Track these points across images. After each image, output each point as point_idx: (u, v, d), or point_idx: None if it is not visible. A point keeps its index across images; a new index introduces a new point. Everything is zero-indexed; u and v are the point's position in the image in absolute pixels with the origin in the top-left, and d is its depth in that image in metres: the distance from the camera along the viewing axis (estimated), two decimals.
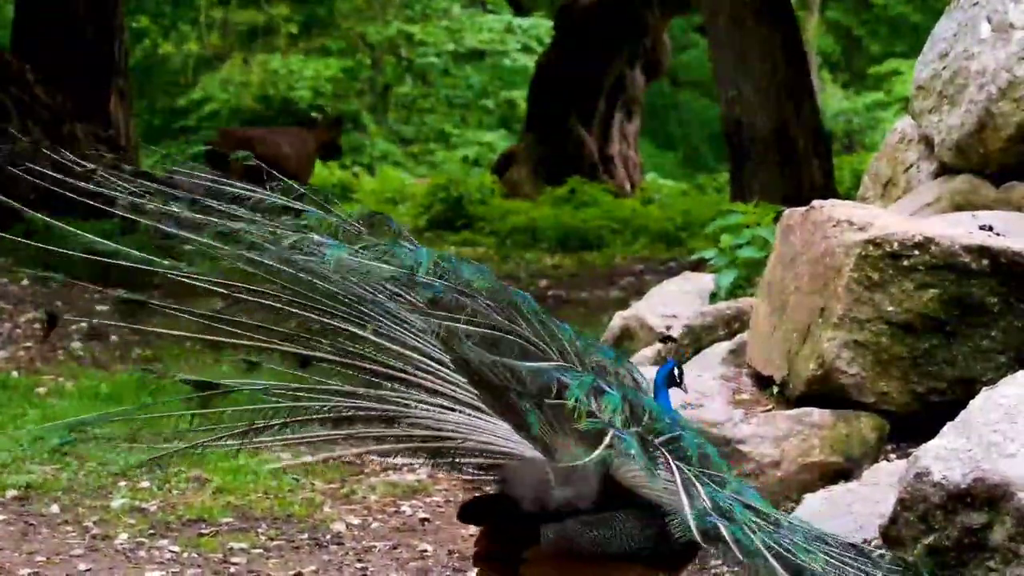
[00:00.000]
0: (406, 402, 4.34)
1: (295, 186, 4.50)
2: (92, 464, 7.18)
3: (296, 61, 28.59)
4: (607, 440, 4.08)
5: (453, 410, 4.32)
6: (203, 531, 6.31)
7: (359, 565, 5.92)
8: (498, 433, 4.28)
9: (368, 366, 4.38)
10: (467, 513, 4.38)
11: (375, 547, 6.15)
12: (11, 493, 6.77)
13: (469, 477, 4.45)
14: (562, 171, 20.96)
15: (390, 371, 4.36)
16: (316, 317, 4.39)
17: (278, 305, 4.40)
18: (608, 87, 22.09)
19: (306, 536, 6.27)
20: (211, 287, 4.42)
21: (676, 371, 4.51)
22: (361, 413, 4.36)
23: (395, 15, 28.78)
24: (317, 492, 6.87)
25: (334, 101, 28.01)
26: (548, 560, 4.17)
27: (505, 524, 4.24)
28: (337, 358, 4.38)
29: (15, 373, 9.42)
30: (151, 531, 6.28)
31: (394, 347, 4.36)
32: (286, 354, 4.41)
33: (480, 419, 4.30)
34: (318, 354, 4.40)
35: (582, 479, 4.12)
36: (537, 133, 22.00)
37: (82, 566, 5.85)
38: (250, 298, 4.41)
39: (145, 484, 6.92)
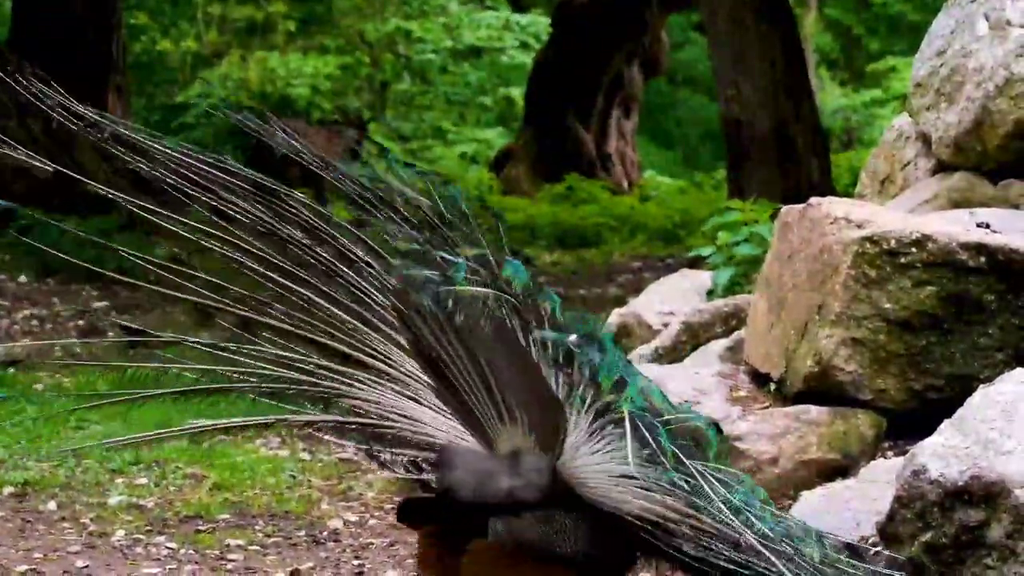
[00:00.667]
0: (348, 383, 4.15)
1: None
2: (90, 461, 7.17)
3: (294, 58, 28.55)
4: (628, 423, 3.98)
5: (386, 391, 4.13)
6: (200, 527, 6.31)
7: (356, 562, 5.91)
8: (436, 423, 4.09)
9: (316, 338, 4.19)
10: (406, 513, 4.19)
11: (372, 544, 6.14)
12: (8, 490, 6.76)
13: (402, 474, 4.18)
14: (560, 168, 20.94)
15: (338, 348, 4.18)
16: (277, 277, 4.20)
17: (240, 264, 4.22)
18: (606, 84, 22.07)
19: (303, 533, 6.27)
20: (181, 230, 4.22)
21: None
22: (301, 389, 4.19)
23: (393, 12, 28.74)
24: (314, 489, 6.87)
25: (333, 99, 27.99)
26: (491, 555, 4.00)
27: (448, 522, 4.06)
28: (287, 325, 4.19)
29: (12, 369, 9.41)
30: (148, 528, 6.28)
31: (348, 324, 4.17)
32: (236, 316, 4.23)
33: (422, 406, 4.11)
34: (267, 319, 4.22)
35: (531, 471, 3.98)
36: (535, 130, 21.98)
37: (79, 563, 5.84)
38: (216, 246, 4.22)
39: (142, 481, 6.92)
